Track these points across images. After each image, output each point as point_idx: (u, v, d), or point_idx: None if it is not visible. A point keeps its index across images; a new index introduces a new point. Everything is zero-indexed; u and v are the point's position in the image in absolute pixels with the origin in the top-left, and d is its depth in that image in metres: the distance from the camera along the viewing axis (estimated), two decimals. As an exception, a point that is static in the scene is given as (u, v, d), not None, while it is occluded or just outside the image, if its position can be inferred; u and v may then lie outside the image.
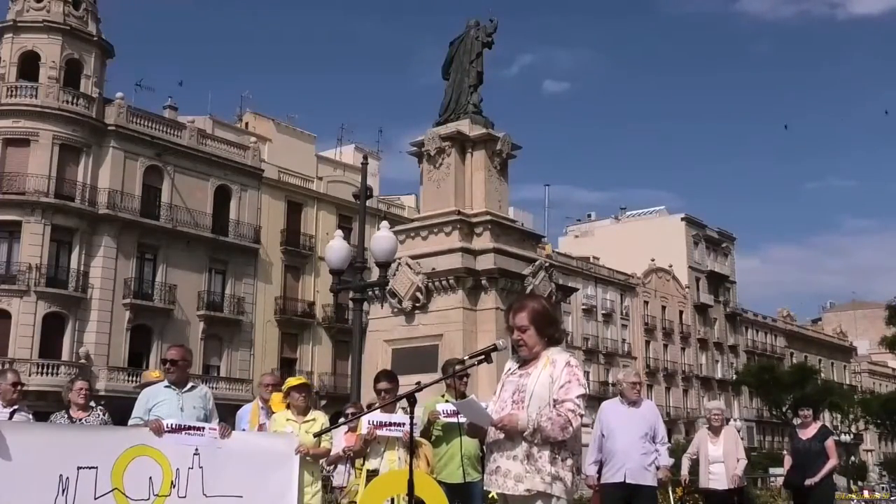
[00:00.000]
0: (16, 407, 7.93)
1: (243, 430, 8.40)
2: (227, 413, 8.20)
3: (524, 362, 4.73)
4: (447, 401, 8.05)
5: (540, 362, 4.63)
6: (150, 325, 39.16)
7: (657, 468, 8.26)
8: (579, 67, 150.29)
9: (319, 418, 7.40)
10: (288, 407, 7.54)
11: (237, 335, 42.61)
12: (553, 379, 4.53)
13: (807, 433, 10.20)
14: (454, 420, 7.65)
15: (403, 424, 7.05)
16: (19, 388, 8.05)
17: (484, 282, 16.51)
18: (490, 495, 8.33)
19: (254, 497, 6.59)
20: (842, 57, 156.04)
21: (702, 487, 10.61)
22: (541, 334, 4.67)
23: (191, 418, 6.74)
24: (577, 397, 4.48)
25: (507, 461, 4.48)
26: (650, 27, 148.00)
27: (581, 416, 4.47)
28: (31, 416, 8.11)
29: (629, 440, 8.08)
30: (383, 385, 7.49)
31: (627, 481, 7.96)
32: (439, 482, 7.04)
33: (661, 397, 65.04)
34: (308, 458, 7.03)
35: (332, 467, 9.05)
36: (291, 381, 7.61)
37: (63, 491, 5.89)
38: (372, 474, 7.14)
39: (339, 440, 8.62)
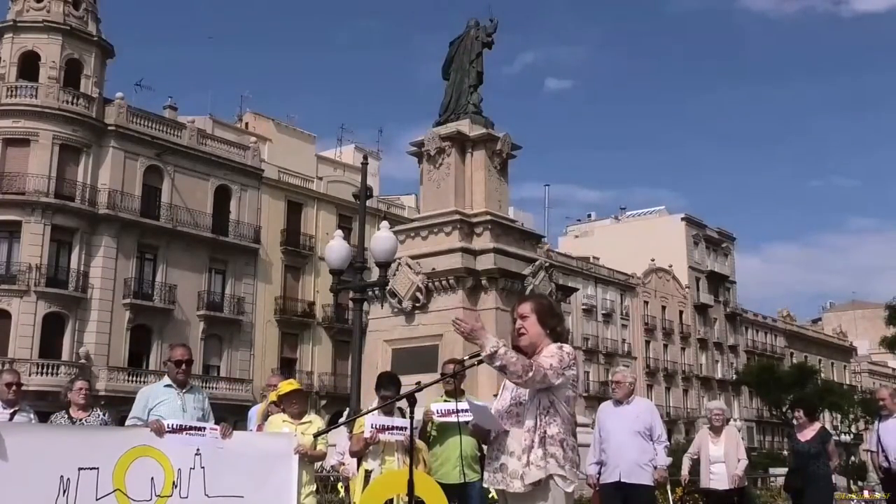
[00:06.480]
0: (17, 408, 7.90)
1: (251, 430, 8.40)
2: (228, 413, 8.21)
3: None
4: (446, 401, 8.03)
5: None
6: (150, 325, 39.19)
7: (654, 468, 8.27)
8: (581, 65, 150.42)
9: (316, 421, 7.36)
10: (283, 409, 7.45)
11: (237, 335, 42.62)
12: None
13: (805, 435, 10.12)
14: (449, 420, 7.63)
15: (405, 428, 7.05)
16: (14, 388, 7.94)
17: (484, 282, 16.52)
18: (490, 495, 8.33)
19: (254, 497, 6.60)
20: (845, 54, 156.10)
21: (702, 487, 10.63)
22: (543, 325, 4.69)
23: (192, 418, 6.77)
24: (552, 361, 4.45)
25: (507, 459, 4.53)
26: (652, 25, 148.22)
27: (549, 373, 4.40)
28: (33, 416, 8.08)
29: (620, 439, 8.16)
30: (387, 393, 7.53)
31: (622, 480, 8.00)
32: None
33: (661, 397, 65.04)
34: (305, 459, 7.02)
35: (337, 466, 9.02)
36: (284, 388, 7.46)
37: (64, 492, 5.87)
38: (368, 475, 7.15)
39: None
